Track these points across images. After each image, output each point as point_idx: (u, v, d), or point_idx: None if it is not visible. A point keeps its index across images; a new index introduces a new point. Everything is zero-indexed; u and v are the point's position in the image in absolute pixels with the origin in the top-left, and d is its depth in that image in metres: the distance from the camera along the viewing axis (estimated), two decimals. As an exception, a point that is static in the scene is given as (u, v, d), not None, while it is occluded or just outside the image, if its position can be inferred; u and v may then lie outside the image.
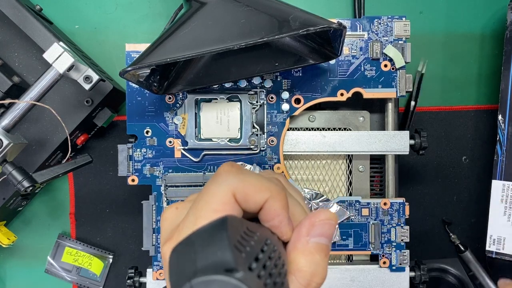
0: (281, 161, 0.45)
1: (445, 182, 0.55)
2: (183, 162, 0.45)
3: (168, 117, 0.45)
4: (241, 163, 0.45)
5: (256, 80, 0.44)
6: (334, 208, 0.45)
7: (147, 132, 0.45)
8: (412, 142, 0.45)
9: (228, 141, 0.45)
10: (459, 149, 0.55)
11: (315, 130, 0.47)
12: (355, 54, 0.45)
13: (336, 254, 0.46)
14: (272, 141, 0.45)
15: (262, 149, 0.45)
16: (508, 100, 0.49)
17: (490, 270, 0.52)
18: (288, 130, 0.45)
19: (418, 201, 0.55)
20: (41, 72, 0.43)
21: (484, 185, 0.54)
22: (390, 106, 0.46)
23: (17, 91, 0.46)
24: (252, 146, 0.44)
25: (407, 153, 0.45)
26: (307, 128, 0.47)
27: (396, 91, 0.44)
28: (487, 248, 0.49)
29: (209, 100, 0.45)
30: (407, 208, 0.45)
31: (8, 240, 0.51)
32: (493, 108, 0.55)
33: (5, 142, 0.41)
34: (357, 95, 0.45)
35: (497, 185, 0.49)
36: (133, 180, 0.45)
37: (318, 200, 0.45)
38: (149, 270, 0.45)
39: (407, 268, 0.45)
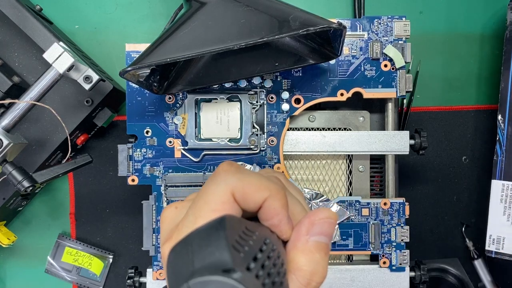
0: (281, 161, 0.45)
1: (445, 182, 0.55)
2: (183, 162, 0.45)
3: (168, 117, 0.45)
4: (241, 163, 0.45)
5: (256, 80, 0.44)
6: (334, 208, 0.45)
7: (147, 132, 0.45)
8: (412, 142, 0.45)
9: (228, 141, 0.45)
10: (459, 149, 0.55)
11: (315, 130, 0.47)
12: (355, 54, 0.45)
13: (336, 254, 0.46)
14: (272, 141, 0.45)
15: (262, 149, 0.45)
16: (508, 100, 0.49)
17: (490, 269, 0.52)
18: (288, 130, 0.45)
19: (418, 201, 0.55)
20: (41, 72, 0.43)
21: (484, 185, 0.54)
22: (390, 106, 0.46)
23: (17, 91, 0.46)
24: (252, 146, 0.44)
25: (407, 153, 0.45)
26: (307, 128, 0.47)
27: (396, 91, 0.44)
28: (486, 248, 0.49)
29: (209, 100, 0.45)
30: (407, 208, 0.45)
31: (8, 240, 0.51)
32: (493, 108, 0.55)
33: (5, 142, 0.41)
34: (357, 95, 0.45)
35: (496, 185, 0.49)
36: (133, 180, 0.45)
37: (318, 200, 0.45)
38: (149, 270, 0.45)
39: (407, 268, 0.45)
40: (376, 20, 0.45)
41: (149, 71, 0.40)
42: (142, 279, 0.45)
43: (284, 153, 0.45)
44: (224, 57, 0.42)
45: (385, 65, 0.44)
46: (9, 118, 0.43)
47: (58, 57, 0.41)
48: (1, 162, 0.41)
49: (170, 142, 0.45)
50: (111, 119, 0.52)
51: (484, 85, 0.55)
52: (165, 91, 0.43)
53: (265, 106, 0.45)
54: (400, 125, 0.50)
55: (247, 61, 0.42)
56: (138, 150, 0.45)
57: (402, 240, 0.45)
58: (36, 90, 0.43)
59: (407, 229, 0.45)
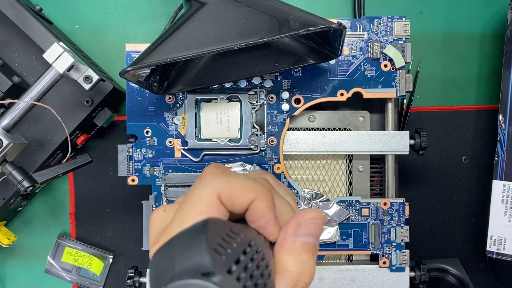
0: (281, 161, 0.45)
1: (445, 182, 0.55)
2: (183, 162, 0.45)
3: (168, 117, 0.45)
4: (241, 163, 0.45)
5: (256, 80, 0.44)
6: (334, 208, 0.45)
7: (147, 132, 0.45)
8: (412, 142, 0.45)
9: (228, 141, 0.45)
10: (459, 149, 0.55)
11: (315, 130, 0.47)
12: (355, 54, 0.45)
13: (336, 254, 0.46)
14: (272, 141, 0.45)
15: (262, 149, 0.45)
16: (509, 100, 0.49)
17: (491, 270, 0.52)
18: (288, 130, 0.45)
19: (418, 201, 0.55)
20: (41, 72, 0.43)
21: (484, 185, 0.54)
22: (390, 106, 0.46)
23: (17, 91, 0.46)
24: (252, 146, 0.44)
25: (407, 153, 0.45)
26: (307, 128, 0.47)
27: (396, 91, 0.44)
28: (487, 249, 0.49)
29: (209, 100, 0.45)
30: (407, 208, 0.45)
31: (8, 240, 0.51)
32: (493, 108, 0.55)
33: (5, 142, 0.41)
34: (357, 95, 0.45)
35: (497, 185, 0.49)
36: (133, 180, 0.45)
37: (318, 200, 0.45)
38: (149, 270, 0.45)
39: (407, 268, 0.45)
40: (376, 20, 0.45)
41: (149, 71, 0.40)
42: (142, 279, 0.45)
43: (284, 153, 0.45)
44: (224, 57, 0.42)
45: (385, 65, 0.44)
46: (9, 118, 0.43)
47: (58, 57, 0.41)
48: (1, 162, 0.41)
49: (170, 142, 0.45)
50: (111, 119, 0.52)
51: (484, 85, 0.55)
52: (165, 91, 0.43)
53: (265, 106, 0.45)
54: (400, 125, 0.50)
55: (247, 61, 0.42)
56: (138, 150, 0.45)
57: (402, 240, 0.45)
58: (36, 90, 0.43)
59: (407, 229, 0.45)
